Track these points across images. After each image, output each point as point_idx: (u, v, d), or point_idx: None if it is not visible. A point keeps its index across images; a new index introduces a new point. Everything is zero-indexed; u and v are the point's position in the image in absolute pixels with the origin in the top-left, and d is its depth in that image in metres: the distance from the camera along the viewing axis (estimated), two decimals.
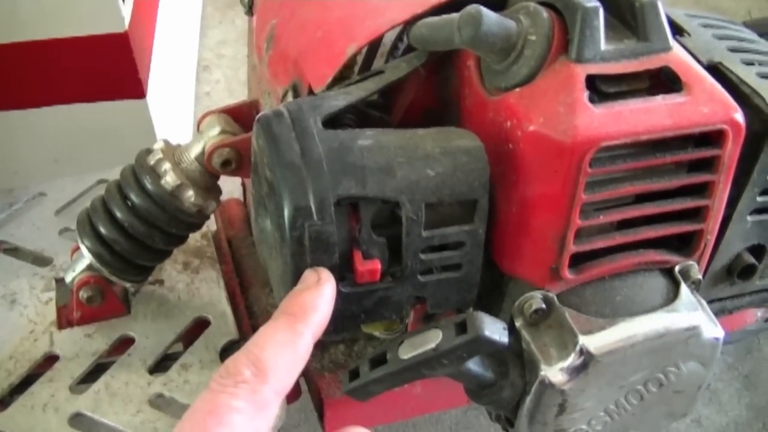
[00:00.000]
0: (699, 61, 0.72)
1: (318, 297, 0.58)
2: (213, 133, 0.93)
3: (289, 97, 0.82)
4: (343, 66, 0.75)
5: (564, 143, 0.60)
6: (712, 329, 0.69)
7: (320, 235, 0.60)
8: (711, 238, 0.71)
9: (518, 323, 0.69)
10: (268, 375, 0.50)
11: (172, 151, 0.94)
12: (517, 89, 0.65)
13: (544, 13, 0.64)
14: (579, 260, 0.67)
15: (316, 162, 0.60)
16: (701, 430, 1.52)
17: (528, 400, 0.68)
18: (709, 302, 0.76)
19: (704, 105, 0.64)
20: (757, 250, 0.81)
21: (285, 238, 0.61)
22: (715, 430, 1.53)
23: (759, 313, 1.13)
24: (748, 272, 0.82)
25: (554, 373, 0.66)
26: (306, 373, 1.00)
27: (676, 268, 0.71)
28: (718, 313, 0.84)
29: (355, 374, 0.65)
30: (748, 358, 1.63)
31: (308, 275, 0.60)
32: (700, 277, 0.71)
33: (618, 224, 0.68)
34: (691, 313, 0.68)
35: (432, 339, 0.62)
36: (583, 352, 0.65)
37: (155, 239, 0.95)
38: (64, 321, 1.04)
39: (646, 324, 0.67)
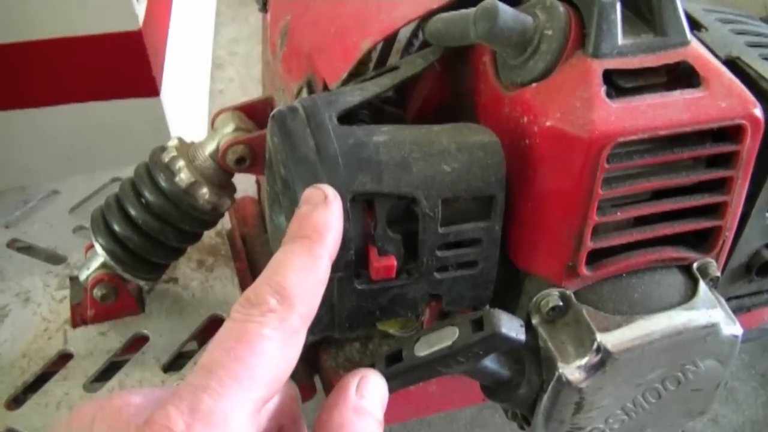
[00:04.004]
0: (717, 56, 0.72)
1: (330, 215, 0.55)
2: (227, 130, 0.93)
3: (304, 94, 0.82)
4: (357, 62, 0.75)
5: (581, 138, 0.60)
6: (731, 327, 0.68)
7: None
8: (729, 235, 0.70)
9: (535, 320, 0.68)
10: (294, 302, 0.48)
11: (186, 149, 0.94)
12: (534, 84, 0.65)
13: (561, 7, 0.64)
14: (596, 257, 0.67)
15: (332, 158, 0.60)
16: (718, 428, 1.52)
17: (545, 398, 0.67)
18: (727, 300, 0.75)
19: (722, 100, 0.63)
20: None
21: None
22: (732, 429, 1.52)
23: None
24: (766, 269, 0.81)
25: (571, 370, 0.65)
26: (321, 371, 1.00)
27: (694, 265, 0.70)
28: (736, 311, 0.83)
29: None
30: (764, 357, 1.63)
31: (313, 193, 0.57)
32: (718, 274, 0.71)
33: (635, 221, 0.68)
34: (709, 311, 0.68)
35: (448, 336, 0.61)
36: (600, 349, 0.65)
37: (169, 237, 0.95)
38: (78, 319, 1.04)
39: (663, 321, 0.66)
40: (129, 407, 0.44)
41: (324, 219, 0.54)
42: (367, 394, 0.53)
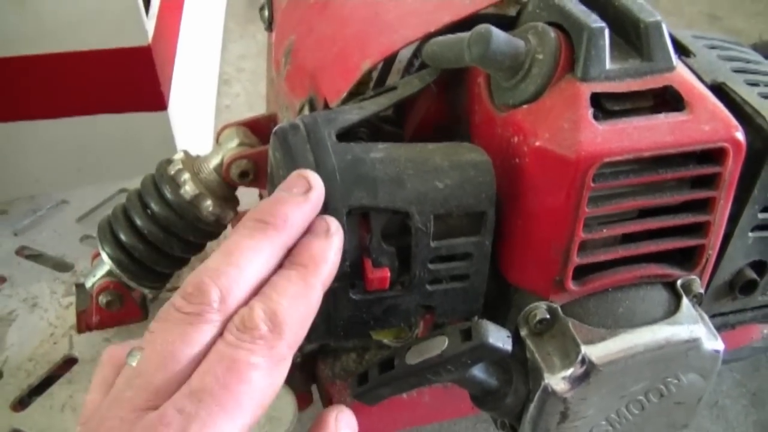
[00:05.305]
0: (703, 81, 0.74)
1: (329, 248, 0.56)
2: (232, 145, 0.96)
3: (306, 111, 0.84)
4: (357, 81, 0.77)
5: (568, 158, 0.62)
6: (713, 342, 0.70)
7: None
8: (712, 253, 0.72)
9: (523, 332, 0.70)
10: (284, 330, 0.49)
11: (191, 162, 0.96)
12: (525, 106, 0.67)
13: (552, 32, 0.66)
14: (583, 272, 0.69)
15: (330, 173, 0.62)
16: None
17: (531, 408, 0.69)
18: (712, 317, 0.77)
19: (706, 123, 0.65)
20: (758, 266, 0.82)
21: None
22: None
23: (765, 330, 1.13)
24: (749, 287, 0.83)
25: (557, 381, 0.67)
26: (318, 381, 1.02)
27: (678, 282, 0.72)
28: (720, 328, 0.85)
29: (363, 379, 0.67)
30: (755, 376, 1.63)
31: (317, 223, 0.58)
32: (701, 291, 0.72)
33: (621, 238, 0.70)
34: (691, 326, 0.70)
35: (438, 345, 0.64)
36: (585, 361, 0.67)
37: (174, 247, 0.97)
38: (83, 325, 1.07)
39: (647, 335, 0.68)
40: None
41: (323, 250, 0.56)
42: (343, 427, 0.56)
